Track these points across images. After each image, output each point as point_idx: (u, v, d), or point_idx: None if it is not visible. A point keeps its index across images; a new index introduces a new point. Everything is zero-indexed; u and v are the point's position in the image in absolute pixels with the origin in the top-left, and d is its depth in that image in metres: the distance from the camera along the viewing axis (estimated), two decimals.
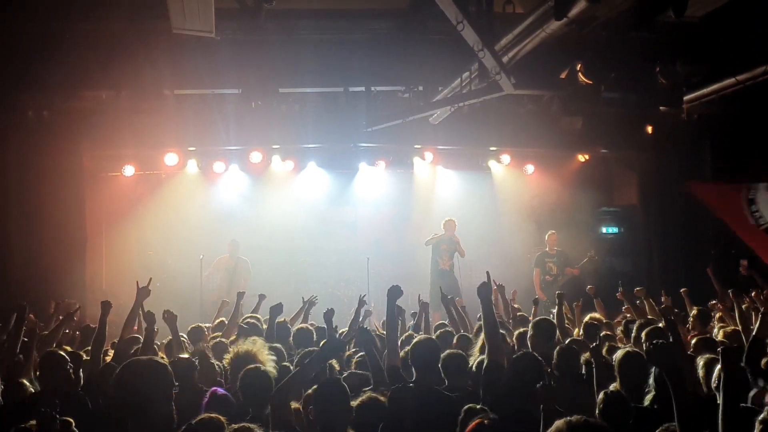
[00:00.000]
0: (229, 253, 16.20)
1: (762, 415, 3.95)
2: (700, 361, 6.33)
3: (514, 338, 8.26)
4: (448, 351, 6.81)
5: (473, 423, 4.93)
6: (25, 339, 7.66)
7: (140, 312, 8.08)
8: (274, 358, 6.60)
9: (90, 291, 14.66)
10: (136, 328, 8.76)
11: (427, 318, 10.07)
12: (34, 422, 4.94)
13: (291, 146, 16.40)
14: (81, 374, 7.04)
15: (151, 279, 8.26)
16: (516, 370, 5.94)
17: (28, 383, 6.77)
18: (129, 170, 16.22)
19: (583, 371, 6.57)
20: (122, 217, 16.43)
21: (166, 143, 15.40)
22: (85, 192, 14.84)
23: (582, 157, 17.32)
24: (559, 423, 3.32)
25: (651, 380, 5.74)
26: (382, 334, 7.96)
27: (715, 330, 9.38)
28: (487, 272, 6.75)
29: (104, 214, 16.21)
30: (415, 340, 6.72)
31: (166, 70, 13.27)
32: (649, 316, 9.71)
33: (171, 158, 15.91)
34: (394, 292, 6.91)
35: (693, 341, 8.40)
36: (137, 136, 14.52)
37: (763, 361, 6.13)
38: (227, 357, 6.88)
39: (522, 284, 15.28)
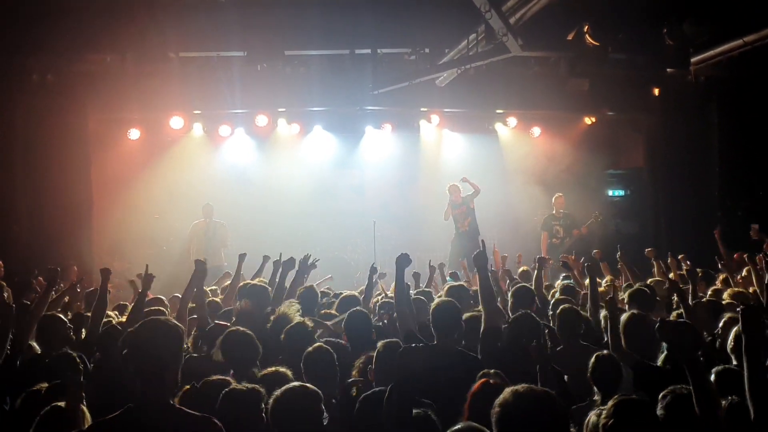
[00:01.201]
0: (204, 218, 15.64)
1: None
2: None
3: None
4: (468, 313, 6.80)
5: (478, 382, 4.94)
6: (28, 302, 7.73)
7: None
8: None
9: (96, 254, 14.71)
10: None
11: (443, 275, 10.15)
12: (44, 385, 5.00)
13: (297, 109, 16.34)
14: (82, 335, 7.11)
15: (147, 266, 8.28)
16: (513, 330, 5.95)
17: (35, 345, 6.85)
18: (135, 134, 16.20)
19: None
20: (128, 181, 16.43)
21: (172, 106, 15.38)
22: (90, 155, 14.84)
23: (589, 120, 17.22)
24: (505, 392, 3.33)
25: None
26: (391, 299, 7.92)
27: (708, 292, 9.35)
28: (482, 241, 6.71)
29: (110, 177, 16.17)
30: (435, 302, 6.70)
31: (170, 33, 13.23)
32: (658, 278, 9.71)
33: (176, 122, 15.89)
34: (403, 261, 6.80)
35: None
36: (142, 99, 14.52)
37: None
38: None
39: (528, 246, 15.30)
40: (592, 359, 5.30)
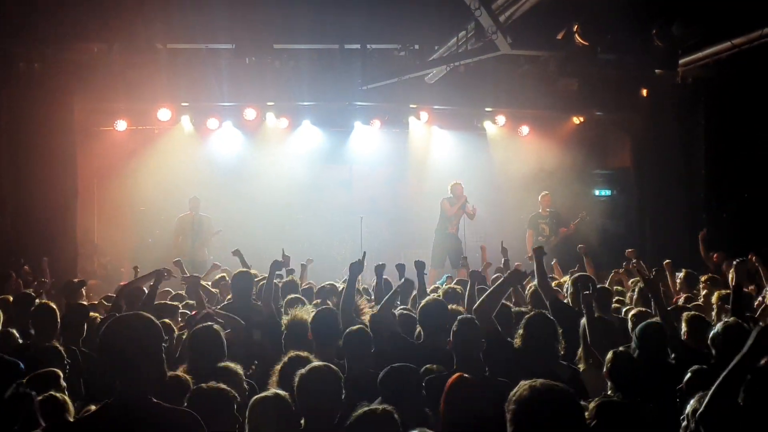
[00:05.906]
0: (191, 210, 15.60)
1: None
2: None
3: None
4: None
5: (455, 375, 4.98)
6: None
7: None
8: None
9: (81, 246, 14.64)
10: None
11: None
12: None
13: (285, 103, 16.26)
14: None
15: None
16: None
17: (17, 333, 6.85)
18: (121, 125, 16.10)
19: None
20: (114, 172, 16.36)
21: (159, 98, 15.25)
22: (76, 146, 14.70)
23: (577, 119, 17.26)
24: (521, 387, 3.25)
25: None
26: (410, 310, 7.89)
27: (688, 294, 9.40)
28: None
29: (96, 168, 16.11)
30: (423, 301, 6.75)
31: (158, 24, 13.17)
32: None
33: (164, 113, 15.78)
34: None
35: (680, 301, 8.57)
36: (130, 90, 14.41)
37: None
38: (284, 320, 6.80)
39: (515, 245, 15.32)
40: (609, 355, 5.34)
